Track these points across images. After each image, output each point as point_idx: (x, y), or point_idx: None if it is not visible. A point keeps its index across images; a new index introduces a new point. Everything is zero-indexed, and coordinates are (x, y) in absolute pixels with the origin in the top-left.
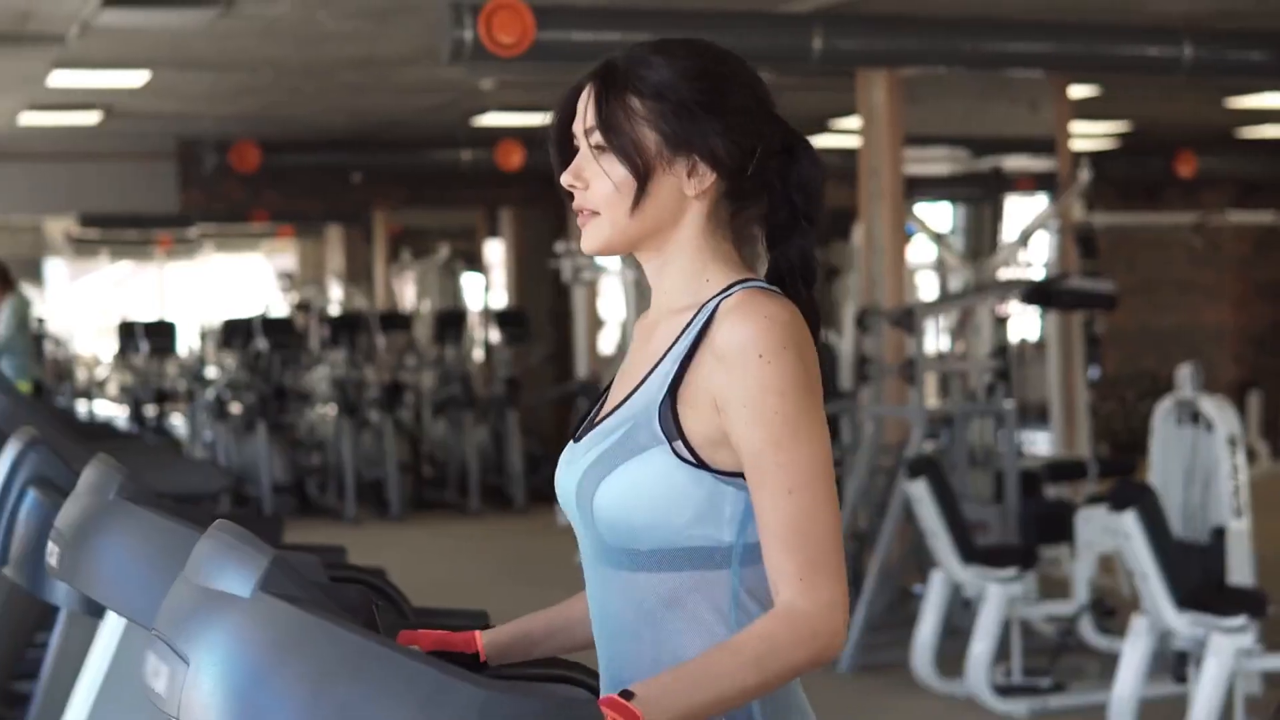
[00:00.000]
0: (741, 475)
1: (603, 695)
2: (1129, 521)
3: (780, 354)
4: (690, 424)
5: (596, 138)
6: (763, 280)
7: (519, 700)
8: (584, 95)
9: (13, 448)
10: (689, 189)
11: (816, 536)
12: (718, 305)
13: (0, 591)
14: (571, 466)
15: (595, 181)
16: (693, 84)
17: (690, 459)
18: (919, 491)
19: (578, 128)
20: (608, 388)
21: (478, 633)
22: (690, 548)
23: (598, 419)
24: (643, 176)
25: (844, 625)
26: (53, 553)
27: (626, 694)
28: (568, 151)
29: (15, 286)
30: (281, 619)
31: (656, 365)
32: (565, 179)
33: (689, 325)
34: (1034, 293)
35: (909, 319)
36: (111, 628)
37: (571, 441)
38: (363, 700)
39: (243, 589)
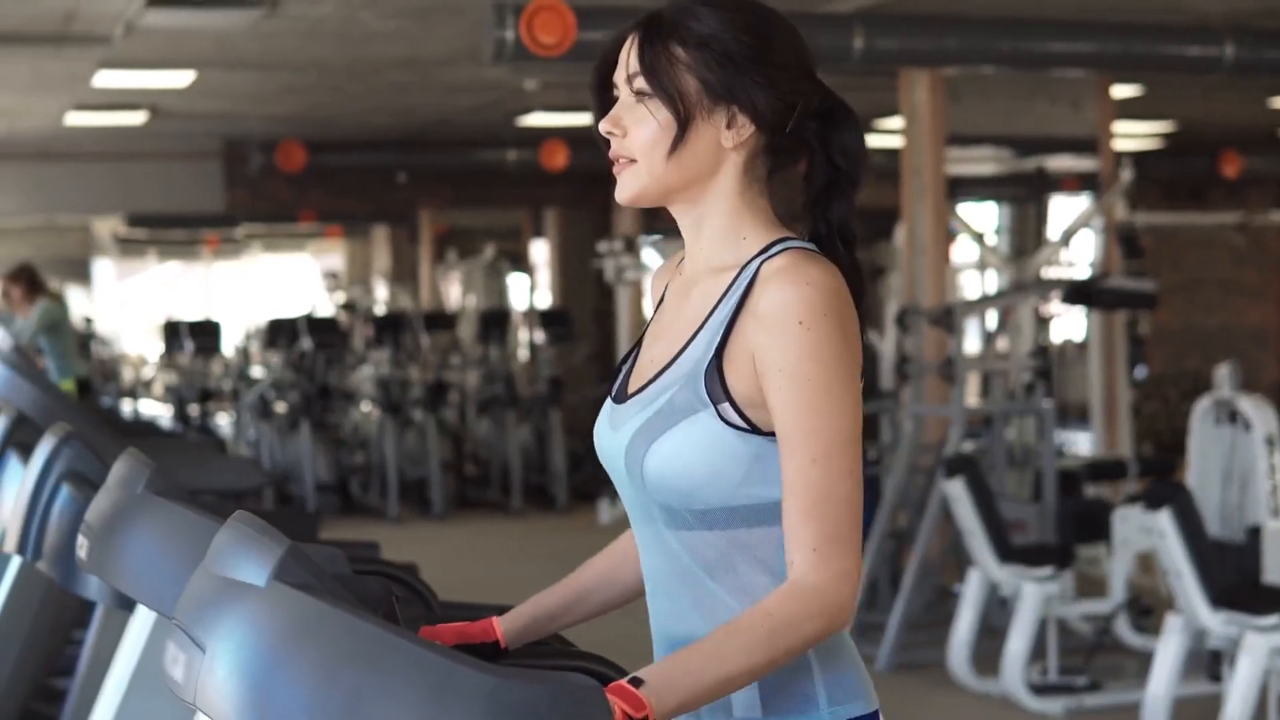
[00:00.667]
0: None
1: (629, 674)
2: (1163, 520)
3: (821, 321)
4: (736, 386)
5: (639, 82)
6: (803, 240)
7: (527, 687)
8: (627, 44)
9: (47, 444)
10: (727, 140)
11: (835, 507)
12: (760, 267)
13: (38, 588)
14: (618, 430)
15: (634, 128)
16: (738, 35)
17: (739, 422)
18: (956, 490)
19: (619, 76)
20: (638, 343)
21: (495, 619)
22: (740, 505)
23: (635, 381)
24: (683, 122)
25: (852, 596)
26: (82, 545)
27: (635, 681)
28: (608, 102)
29: (44, 290)
30: (295, 607)
31: (701, 327)
32: (604, 125)
33: (731, 286)
34: (1075, 292)
35: (948, 318)
36: (141, 621)
37: (611, 402)
38: (373, 687)
39: (258, 578)
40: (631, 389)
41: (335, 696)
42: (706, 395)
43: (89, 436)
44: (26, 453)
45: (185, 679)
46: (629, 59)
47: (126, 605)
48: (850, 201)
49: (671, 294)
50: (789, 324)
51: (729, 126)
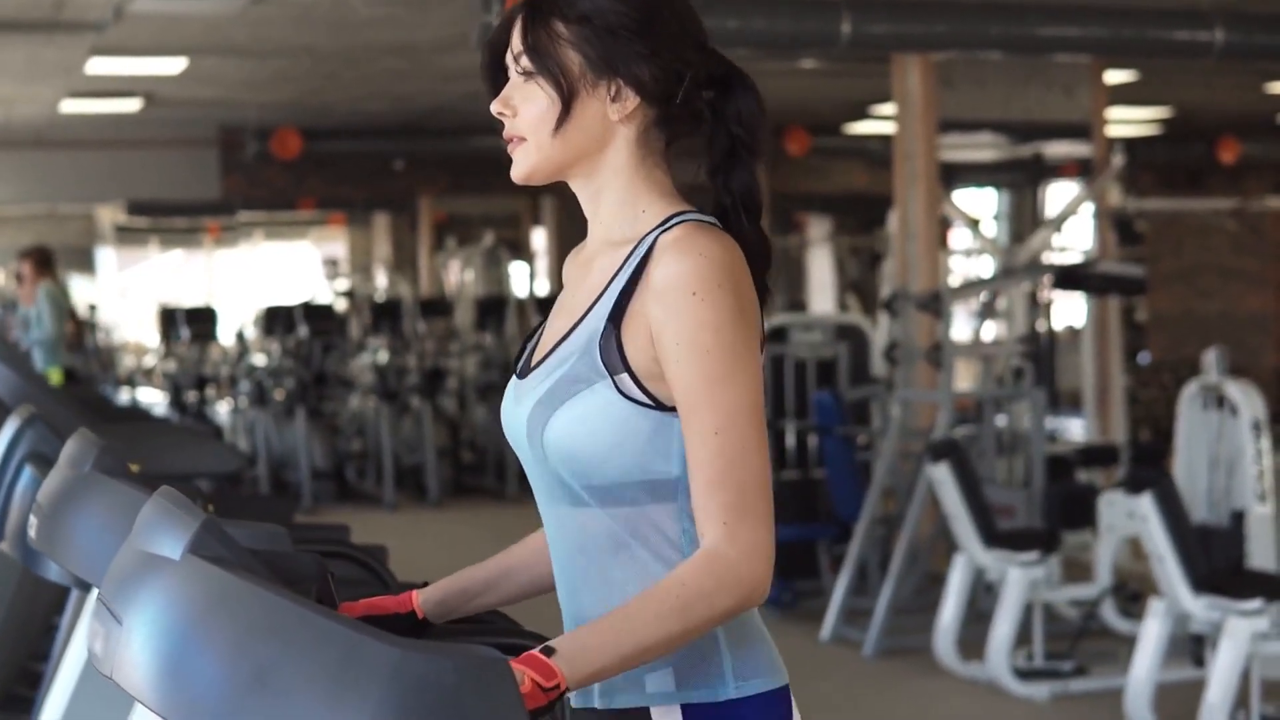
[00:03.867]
0: None
1: (542, 643)
2: (1145, 505)
3: (714, 291)
4: (635, 358)
5: (523, 62)
6: (701, 213)
7: (432, 659)
8: (515, 24)
9: (11, 425)
10: (613, 113)
11: (742, 478)
12: (656, 239)
13: (13, 571)
14: (519, 404)
15: (522, 107)
16: (618, 7)
17: (638, 395)
18: (941, 475)
19: (509, 57)
20: (542, 322)
21: (415, 592)
22: (639, 481)
23: (537, 355)
24: (566, 98)
25: (767, 571)
26: (33, 525)
27: (548, 650)
28: (500, 82)
29: (52, 273)
30: (206, 580)
31: (598, 299)
32: (494, 106)
33: (628, 259)
34: (1064, 277)
35: (936, 303)
36: (94, 600)
37: (515, 378)
38: (281, 659)
39: (174, 551)
40: (534, 363)
41: (244, 668)
42: (603, 366)
43: (56, 419)
44: None
45: (104, 652)
46: (514, 39)
47: (86, 586)
48: (751, 171)
49: (574, 270)
50: (683, 295)
51: (614, 99)
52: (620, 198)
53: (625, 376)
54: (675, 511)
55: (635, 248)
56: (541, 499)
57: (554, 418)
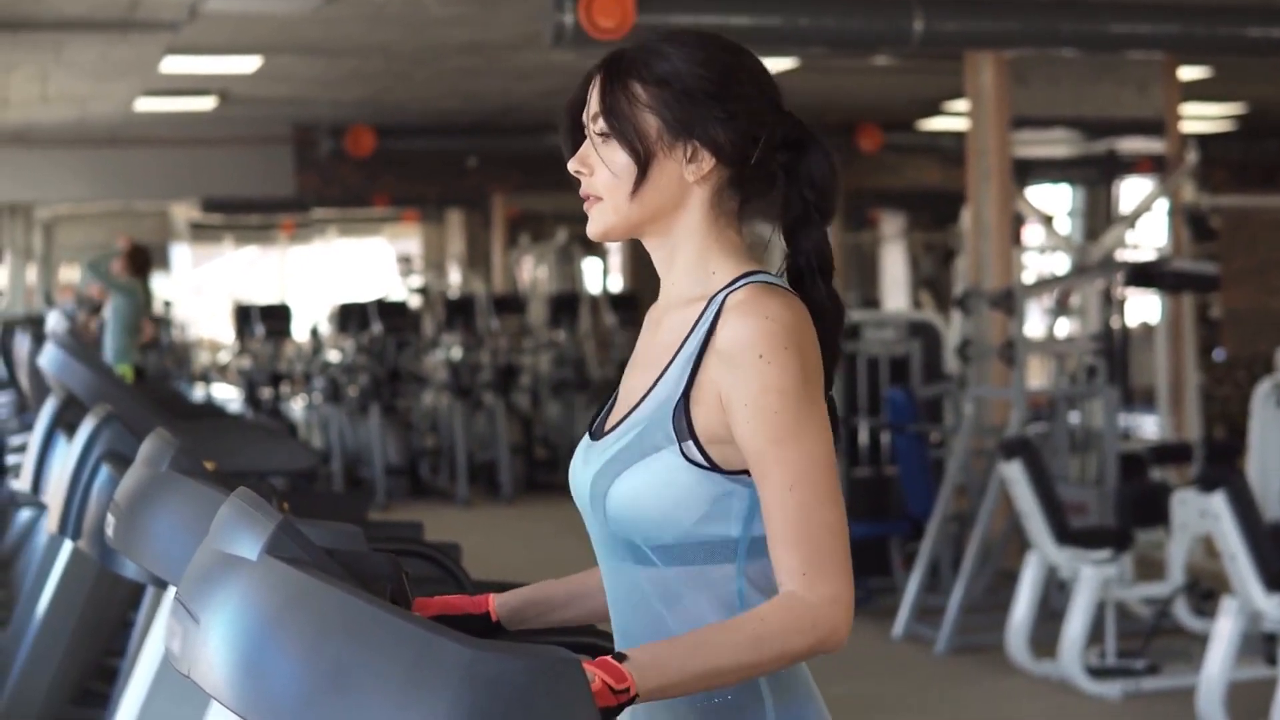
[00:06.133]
0: (749, 473)
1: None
2: (1218, 503)
3: (780, 354)
4: (701, 423)
5: (600, 124)
6: (770, 273)
7: (504, 659)
8: (593, 84)
9: (88, 424)
10: (689, 175)
11: (818, 533)
12: (724, 300)
13: (90, 569)
14: (586, 466)
15: (599, 168)
16: (696, 70)
17: (700, 459)
18: (1014, 473)
19: (586, 116)
20: (618, 383)
21: (491, 595)
22: (699, 542)
23: (612, 418)
24: (643, 162)
25: (845, 621)
26: (110, 524)
27: (619, 656)
28: (578, 140)
29: (144, 274)
30: (282, 580)
31: (669, 364)
32: (572, 165)
33: (698, 321)
34: (1137, 274)
35: (1009, 300)
36: (170, 598)
37: (588, 438)
38: (356, 658)
39: (250, 552)
40: (609, 426)
41: (321, 668)
42: (673, 432)
43: (132, 417)
44: (74, 433)
45: (181, 651)
46: (592, 100)
47: (162, 584)
48: (822, 232)
49: (648, 326)
50: (750, 358)
51: (690, 161)
52: (693, 258)
53: (690, 443)
54: (733, 572)
55: (705, 309)
56: (600, 552)
57: (617, 482)
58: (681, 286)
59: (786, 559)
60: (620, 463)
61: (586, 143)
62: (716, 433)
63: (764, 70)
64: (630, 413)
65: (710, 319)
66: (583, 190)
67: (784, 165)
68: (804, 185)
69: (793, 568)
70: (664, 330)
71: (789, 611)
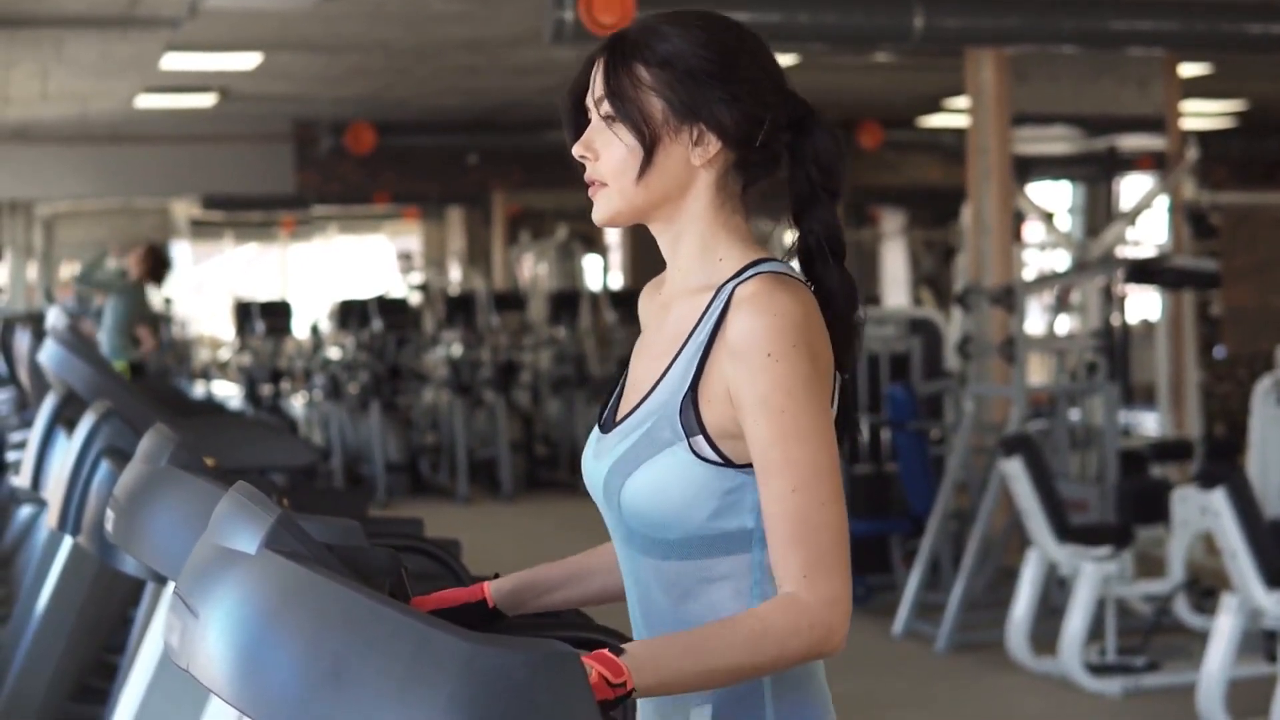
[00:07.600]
0: None
1: (613, 641)
2: (1218, 500)
3: (789, 353)
4: (710, 418)
5: (605, 107)
6: (779, 260)
7: (503, 653)
8: (595, 67)
9: (88, 420)
10: (695, 158)
11: (819, 535)
12: (733, 291)
13: (90, 565)
14: (599, 460)
15: (604, 152)
16: (700, 52)
17: (711, 454)
18: (1014, 469)
19: (590, 100)
20: (625, 371)
21: (487, 583)
22: (713, 536)
23: (621, 409)
24: (649, 145)
25: (843, 622)
26: (109, 519)
27: (617, 650)
28: (581, 124)
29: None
30: (281, 574)
31: (677, 356)
32: (576, 150)
33: (706, 312)
34: (1137, 271)
35: (1009, 297)
36: (169, 593)
37: (598, 431)
38: (354, 652)
39: (249, 546)
40: (618, 417)
41: (320, 662)
42: (681, 428)
43: (132, 413)
44: (74, 429)
45: (180, 645)
46: (595, 82)
47: (161, 579)
48: (832, 211)
49: (653, 314)
50: (758, 356)
51: (696, 144)
52: (699, 244)
53: (700, 439)
54: (749, 563)
55: (713, 300)
56: (617, 541)
57: (630, 479)
58: (686, 273)
59: (787, 560)
60: (630, 461)
61: (590, 127)
62: (727, 428)
63: (766, 50)
64: (638, 405)
65: (718, 311)
66: (587, 176)
67: (788, 145)
68: (809, 165)
69: (793, 569)
70: (671, 319)
71: (788, 612)
